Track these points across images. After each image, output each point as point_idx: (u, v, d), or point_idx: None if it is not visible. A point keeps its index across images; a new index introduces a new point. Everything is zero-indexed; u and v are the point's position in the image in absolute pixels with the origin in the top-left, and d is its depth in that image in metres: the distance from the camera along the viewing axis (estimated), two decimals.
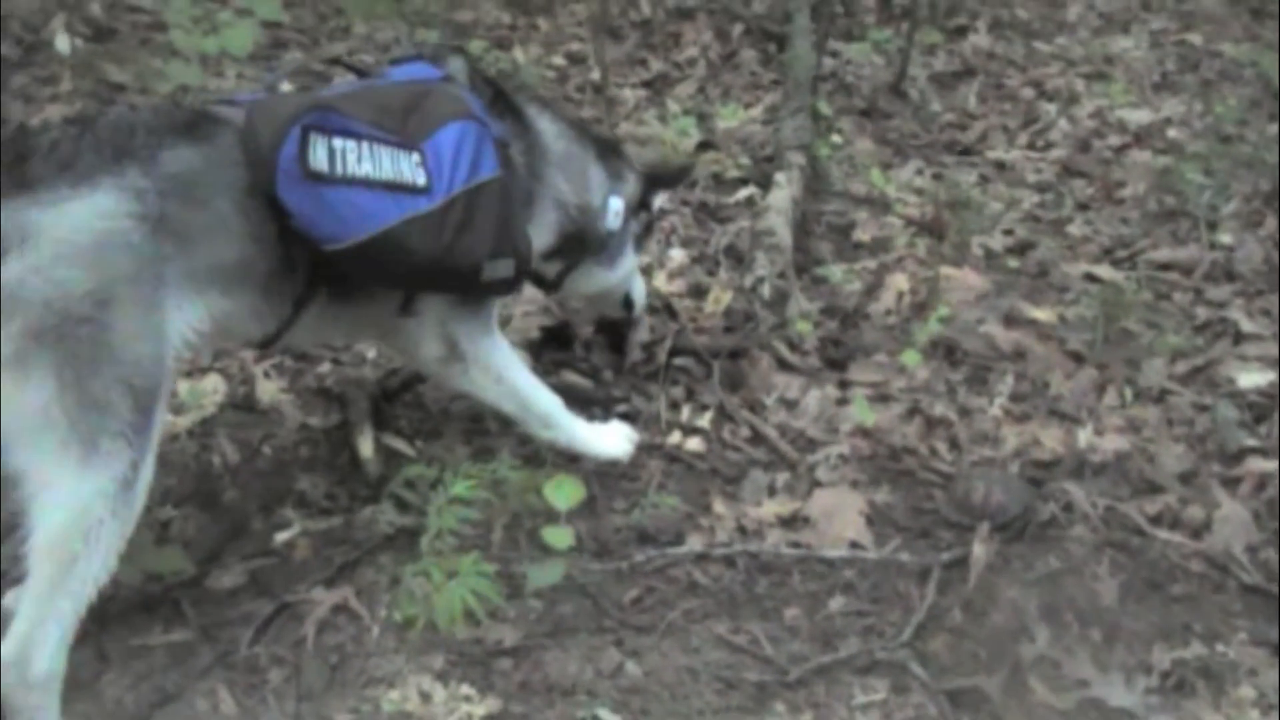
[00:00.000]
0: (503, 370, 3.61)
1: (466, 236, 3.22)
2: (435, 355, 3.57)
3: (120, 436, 2.75)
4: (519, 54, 7.31)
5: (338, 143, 3.03)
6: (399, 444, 3.84)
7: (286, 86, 3.92)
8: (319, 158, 2.99)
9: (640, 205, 4.04)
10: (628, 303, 4.24)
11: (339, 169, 3.02)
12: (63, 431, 2.69)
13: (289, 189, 2.96)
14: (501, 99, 3.59)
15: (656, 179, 4.13)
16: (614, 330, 4.39)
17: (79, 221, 2.73)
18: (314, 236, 3.04)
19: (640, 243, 4.12)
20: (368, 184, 3.07)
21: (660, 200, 4.17)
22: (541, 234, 3.64)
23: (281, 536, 3.48)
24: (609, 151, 3.99)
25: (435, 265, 3.21)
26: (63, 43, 6.42)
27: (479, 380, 3.60)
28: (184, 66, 5.61)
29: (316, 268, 3.14)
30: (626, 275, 4.11)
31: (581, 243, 3.84)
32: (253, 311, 3.14)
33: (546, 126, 3.74)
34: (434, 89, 3.39)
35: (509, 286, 3.47)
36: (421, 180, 3.16)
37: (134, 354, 2.78)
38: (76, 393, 2.69)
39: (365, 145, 3.09)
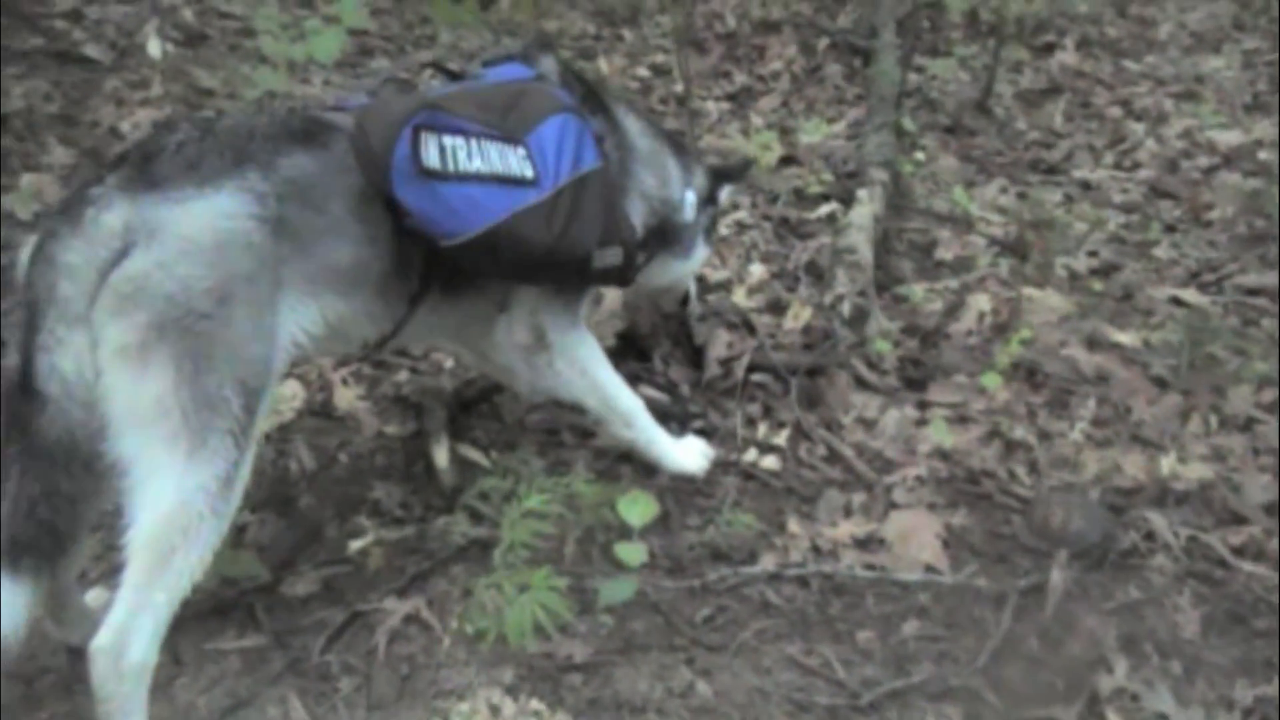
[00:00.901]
0: (587, 363, 3.66)
1: (576, 225, 3.30)
2: (523, 343, 3.62)
3: (228, 434, 2.82)
4: (603, 64, 7.33)
5: (448, 140, 3.12)
6: (474, 455, 3.85)
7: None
8: (431, 155, 3.08)
9: (708, 199, 4.11)
10: (685, 297, 4.38)
11: (451, 165, 3.11)
12: (175, 423, 2.76)
13: (404, 188, 3.06)
14: (592, 96, 3.65)
15: (722, 174, 4.22)
16: (688, 340, 4.39)
17: (203, 220, 2.83)
18: (431, 233, 3.14)
19: (709, 235, 4.19)
20: (479, 178, 3.15)
21: (725, 194, 4.25)
22: (638, 222, 3.71)
23: (355, 545, 3.48)
24: (680, 148, 4.06)
25: (548, 255, 3.28)
26: (154, 47, 6.49)
27: (564, 372, 3.64)
28: (271, 73, 5.67)
29: (430, 266, 3.26)
30: (698, 265, 4.24)
31: (663, 235, 3.87)
32: (367, 313, 3.23)
33: (631, 124, 3.81)
34: (529, 87, 3.45)
35: (619, 275, 3.53)
36: (530, 173, 3.23)
37: (248, 353, 2.87)
38: (192, 387, 2.77)
39: (474, 141, 3.17)
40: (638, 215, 3.71)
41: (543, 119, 3.33)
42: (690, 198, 3.95)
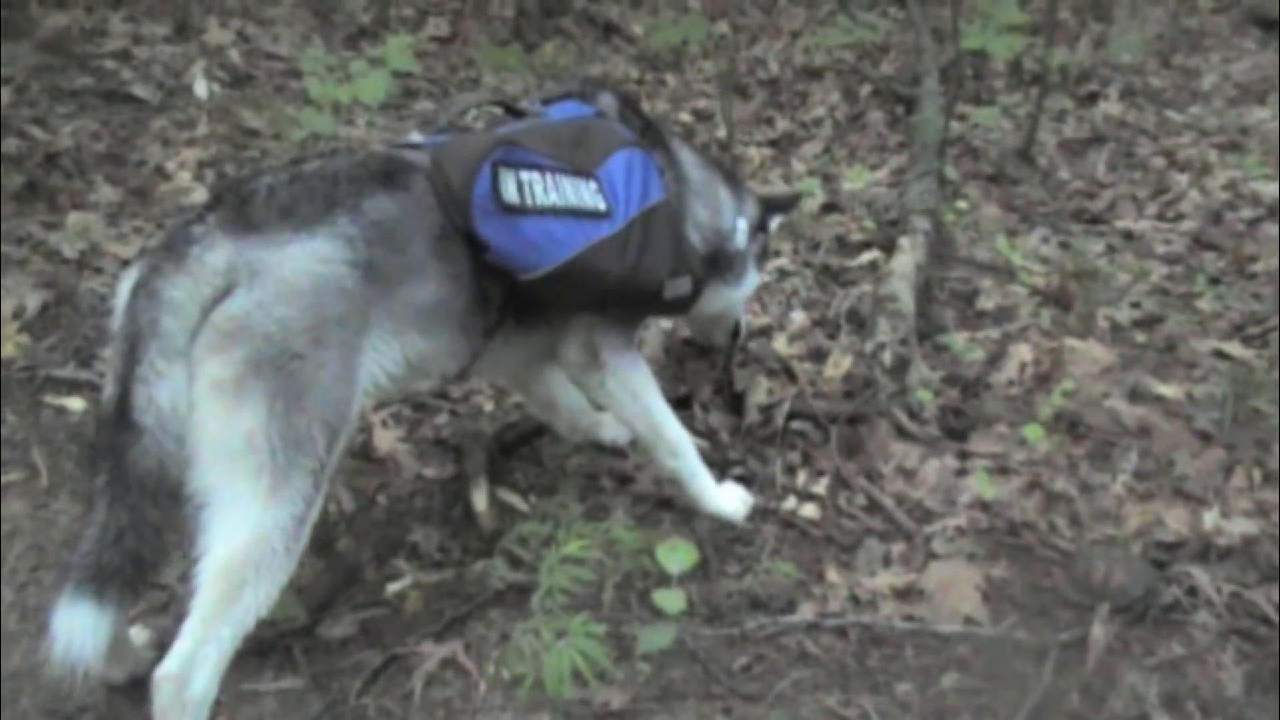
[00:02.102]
0: (639, 388, 3.69)
1: (648, 256, 3.41)
2: (577, 361, 3.67)
3: (310, 474, 2.90)
4: (646, 109, 7.35)
5: (524, 175, 3.23)
6: (513, 499, 3.85)
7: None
8: (510, 191, 3.19)
9: (759, 226, 4.19)
10: (735, 330, 4.43)
11: (529, 200, 3.22)
12: (262, 459, 2.84)
13: (485, 223, 3.16)
14: (650, 131, 3.74)
15: (773, 203, 4.31)
16: (728, 386, 4.40)
17: (301, 264, 2.93)
18: (511, 267, 3.24)
19: (760, 262, 4.28)
20: (556, 212, 3.26)
21: (775, 223, 4.32)
22: (690, 251, 3.76)
23: (393, 587, 3.49)
24: (731, 178, 4.15)
25: (623, 285, 3.39)
26: (201, 88, 6.58)
27: (615, 393, 3.68)
28: (316, 114, 5.74)
29: (508, 299, 3.34)
30: (749, 292, 4.30)
31: (715, 263, 3.92)
32: (448, 349, 3.32)
33: (686, 156, 3.90)
34: (592, 123, 3.55)
35: (685, 305, 3.64)
36: (603, 205, 3.34)
37: (336, 394, 2.95)
38: (283, 424, 2.85)
39: (549, 176, 3.27)
40: (693, 241, 3.79)
41: (610, 153, 3.43)
42: (742, 225, 4.01)
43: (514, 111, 3.64)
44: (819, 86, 7.89)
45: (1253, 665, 3.34)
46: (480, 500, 3.75)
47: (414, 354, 3.20)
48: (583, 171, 3.35)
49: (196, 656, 2.82)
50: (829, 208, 6.20)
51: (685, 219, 3.77)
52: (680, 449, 3.78)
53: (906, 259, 5.13)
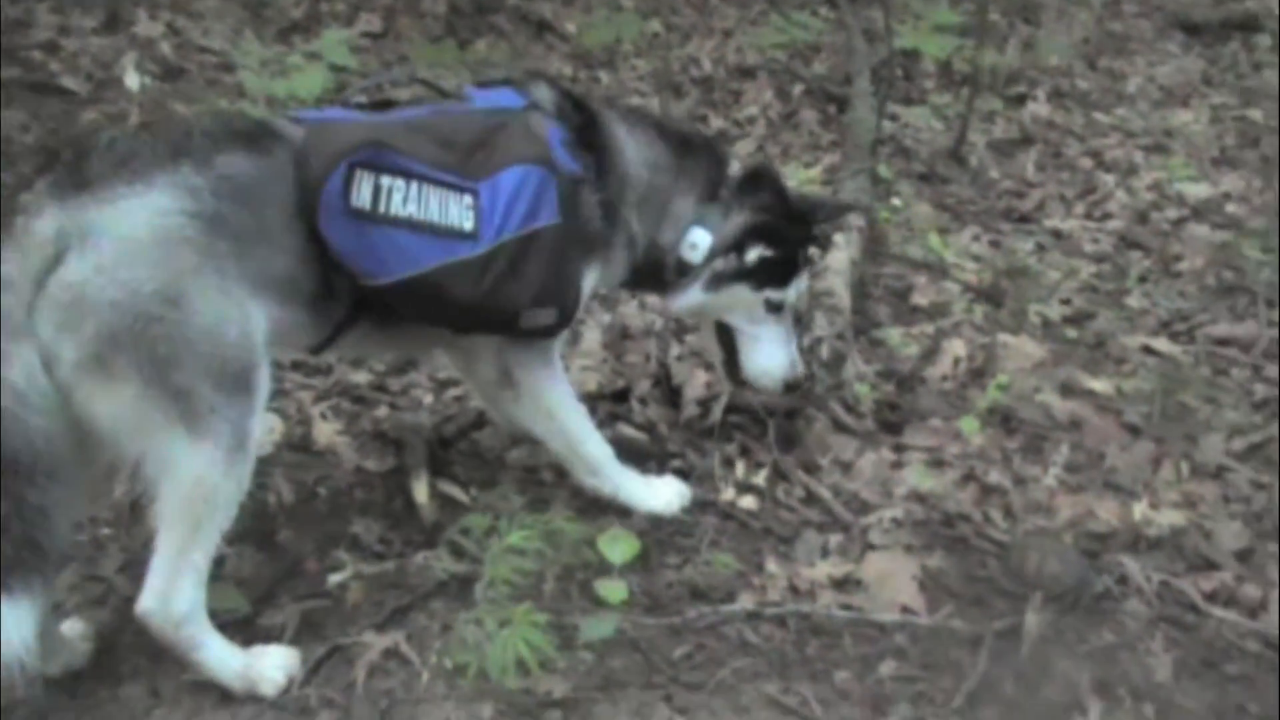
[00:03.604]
0: (555, 407, 3.63)
1: (510, 285, 3.26)
2: (488, 379, 3.64)
3: (214, 413, 2.88)
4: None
5: (385, 181, 3.10)
6: (454, 491, 3.85)
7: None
8: (363, 196, 3.07)
9: (732, 248, 3.75)
10: (729, 344, 3.94)
11: (382, 208, 3.09)
12: (160, 416, 2.85)
13: (330, 221, 3.05)
14: (590, 129, 3.55)
15: (761, 230, 3.75)
16: (666, 380, 4.43)
17: (137, 219, 2.84)
18: (352, 269, 3.11)
19: (719, 285, 3.77)
20: (411, 225, 3.13)
21: (753, 254, 3.74)
22: (613, 270, 3.69)
23: (335, 579, 3.48)
24: (714, 183, 3.75)
25: (471, 310, 3.28)
26: (132, 80, 6.51)
27: (529, 412, 3.64)
28: (251, 108, 5.69)
29: (359, 295, 3.21)
30: (691, 308, 3.87)
31: (643, 274, 3.80)
32: (304, 325, 3.23)
33: (636, 155, 3.65)
34: (510, 122, 3.39)
35: (550, 332, 3.48)
36: (469, 225, 3.20)
37: (215, 343, 2.89)
38: (161, 387, 2.83)
39: (415, 186, 3.14)
40: (620, 260, 3.67)
41: (507, 166, 3.27)
42: (697, 236, 3.71)
43: (442, 93, 3.60)
44: (752, 85, 7.92)
45: (1181, 652, 3.41)
46: (421, 492, 3.76)
47: (270, 320, 3.06)
48: (464, 183, 3.21)
49: (171, 587, 2.93)
50: None
51: (615, 232, 3.59)
52: (598, 466, 3.74)
53: (842, 255, 5.17)
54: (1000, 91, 8.04)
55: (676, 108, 7.38)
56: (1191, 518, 3.93)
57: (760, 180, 3.81)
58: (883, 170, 6.54)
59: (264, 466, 3.82)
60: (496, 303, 3.27)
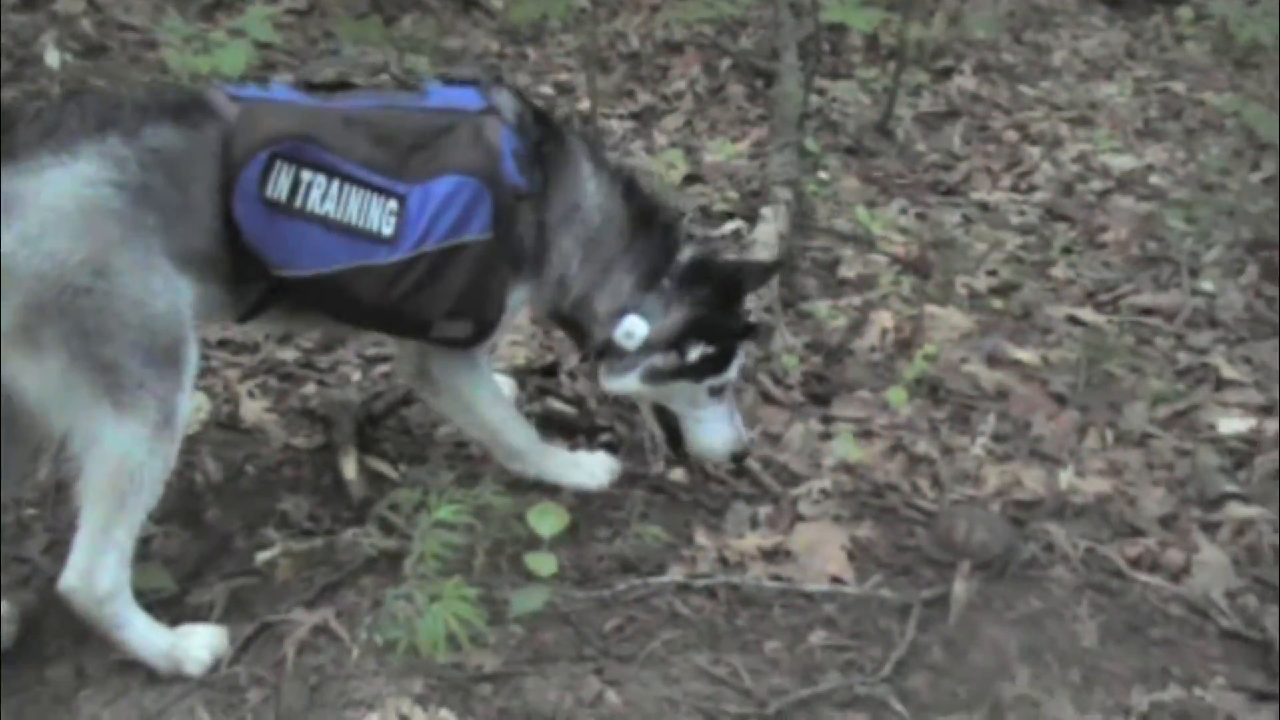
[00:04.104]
0: (474, 402, 3.60)
1: (424, 294, 3.21)
2: (408, 371, 3.64)
3: (141, 388, 2.86)
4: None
5: (306, 175, 3.06)
6: (383, 467, 3.84)
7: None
8: (279, 188, 3.03)
9: (672, 345, 3.59)
10: (668, 425, 3.81)
11: (298, 202, 3.06)
12: (86, 393, 2.82)
13: (244, 207, 3.01)
14: (548, 145, 3.43)
15: (703, 327, 3.59)
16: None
17: (62, 189, 2.80)
18: (261, 257, 3.08)
19: (658, 380, 3.63)
20: (325, 223, 3.09)
21: (695, 352, 3.58)
22: (543, 295, 3.59)
23: (263, 556, 3.44)
24: (659, 269, 3.60)
25: (380, 314, 3.26)
26: (53, 58, 6.42)
27: (448, 406, 3.64)
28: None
29: (273, 281, 3.17)
30: (626, 393, 3.74)
31: (566, 325, 3.73)
32: (219, 303, 3.19)
33: (593, 193, 3.53)
34: (459, 126, 3.28)
35: (465, 344, 3.43)
36: (388, 231, 3.14)
37: (143, 316, 2.87)
38: (89, 359, 2.80)
39: (336, 184, 3.09)
40: (545, 292, 3.56)
41: (443, 174, 3.20)
42: (632, 324, 3.56)
43: (402, 84, 3.54)
44: (679, 60, 7.90)
45: (1107, 617, 3.45)
46: (349, 469, 3.74)
47: (196, 295, 3.03)
48: (393, 186, 3.14)
49: (95, 564, 2.91)
50: (691, 178, 6.23)
51: (546, 258, 3.48)
52: (521, 453, 3.71)
53: (769, 229, 5.17)
54: (926, 65, 8.06)
55: (604, 83, 7.36)
56: (1116, 485, 3.98)
57: (704, 272, 3.65)
58: (810, 144, 6.54)
59: (191, 444, 3.82)
60: (408, 310, 3.24)
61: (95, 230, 2.81)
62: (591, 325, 3.62)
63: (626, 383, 3.65)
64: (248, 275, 3.14)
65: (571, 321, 3.67)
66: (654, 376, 3.63)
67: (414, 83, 3.55)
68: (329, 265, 3.12)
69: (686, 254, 3.67)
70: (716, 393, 3.68)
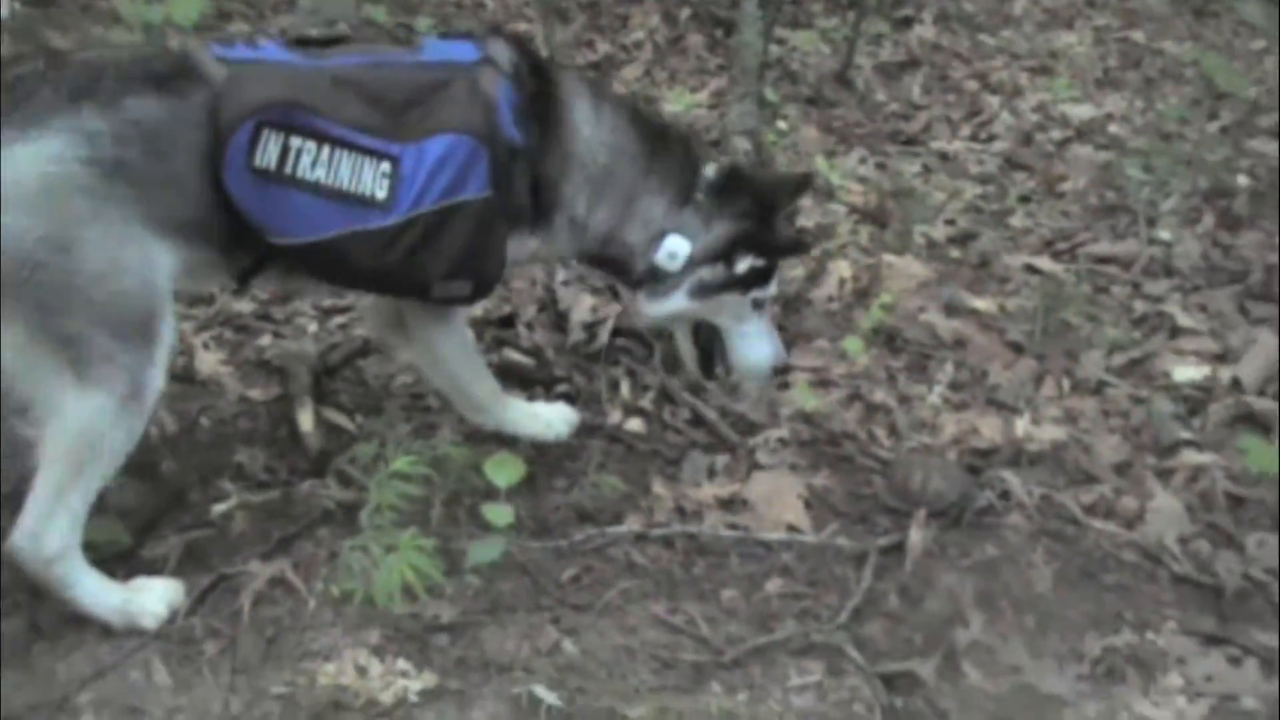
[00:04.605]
0: (445, 357, 3.55)
1: (421, 256, 3.15)
2: (383, 322, 3.62)
3: (109, 361, 2.85)
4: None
5: (295, 142, 2.99)
6: (340, 419, 3.82)
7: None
8: (268, 156, 2.97)
9: (720, 257, 3.53)
10: (722, 351, 3.75)
11: (288, 170, 2.99)
12: (47, 366, 2.82)
13: (234, 177, 2.96)
14: (543, 99, 3.33)
15: (750, 239, 3.54)
16: (552, 304, 4.40)
17: (28, 166, 2.76)
18: (255, 225, 3.04)
19: (706, 294, 3.56)
20: (318, 190, 3.03)
21: (744, 264, 3.54)
22: (551, 247, 3.50)
23: (219, 509, 3.43)
24: (689, 185, 3.52)
25: (379, 277, 3.22)
26: (3, 8, 6.33)
27: (419, 356, 3.60)
28: (127, 35, 5.54)
29: (268, 247, 3.13)
30: (673, 314, 3.63)
31: (603, 265, 3.60)
32: (212, 264, 3.15)
33: (592, 135, 3.41)
34: (454, 81, 3.19)
35: (464, 302, 3.41)
36: (381, 194, 3.07)
37: (111, 290, 2.85)
38: (48, 334, 2.80)
39: (327, 149, 3.03)
40: (561, 241, 3.47)
41: (436, 133, 3.11)
42: (674, 244, 3.48)
43: (395, 39, 3.47)
44: (639, 10, 7.86)
45: (1061, 564, 3.48)
46: (306, 421, 3.72)
47: (182, 261, 3.01)
48: (397, 141, 3.07)
49: (43, 526, 2.91)
50: None
51: (555, 210, 3.39)
52: (483, 404, 3.66)
53: None
54: (886, 15, 8.06)
55: (562, 33, 7.32)
56: (1072, 433, 4.00)
57: (738, 183, 3.57)
58: (769, 94, 6.53)
59: None
60: (407, 273, 3.18)
61: (57, 207, 2.77)
62: (630, 257, 3.52)
63: (673, 303, 3.56)
64: (242, 241, 3.10)
65: (608, 259, 3.55)
66: (702, 291, 3.55)
67: (408, 37, 3.42)
68: (323, 232, 3.06)
69: (713, 167, 3.60)
70: (759, 306, 3.67)
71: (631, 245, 3.50)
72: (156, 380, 2.96)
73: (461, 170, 3.13)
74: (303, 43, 3.24)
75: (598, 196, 3.43)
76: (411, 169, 3.09)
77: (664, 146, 3.54)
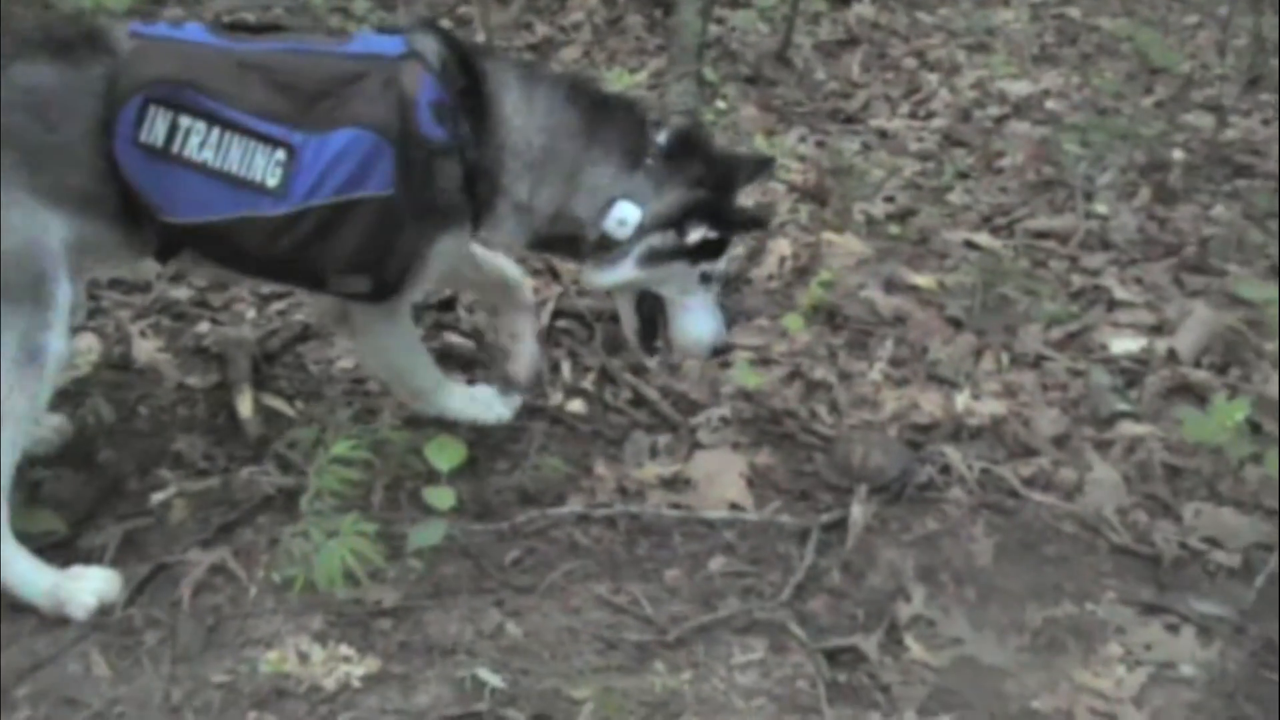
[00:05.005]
0: (386, 349, 3.53)
1: (315, 248, 3.10)
2: (326, 310, 3.56)
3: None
4: (403, 16, 7.23)
5: (184, 121, 2.97)
6: (279, 404, 3.80)
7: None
8: (156, 132, 2.96)
9: (672, 224, 3.41)
10: (646, 317, 3.65)
11: (175, 148, 2.98)
12: None
13: (123, 151, 2.96)
14: (472, 93, 3.23)
15: (704, 208, 3.42)
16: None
17: None
18: (146, 203, 3.02)
19: (656, 261, 3.45)
20: (205, 171, 3.00)
21: (696, 234, 3.42)
22: (497, 234, 3.41)
23: (158, 497, 3.41)
24: (638, 150, 3.40)
25: (272, 265, 3.20)
26: None
27: (361, 347, 3.59)
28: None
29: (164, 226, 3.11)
30: (621, 283, 3.51)
31: (554, 244, 3.54)
32: (112, 240, 3.13)
33: (526, 122, 3.30)
34: (372, 73, 3.12)
35: (369, 297, 3.28)
36: (273, 182, 3.02)
37: None
38: None
39: (217, 131, 2.99)
40: (507, 229, 3.38)
41: (341, 126, 3.04)
42: (624, 211, 3.36)
43: (329, 32, 3.43)
44: None
45: (1001, 536, 3.50)
46: (245, 407, 3.70)
47: (77, 233, 3.00)
48: (300, 129, 3.01)
49: None
50: None
51: (497, 200, 3.30)
52: (423, 392, 3.63)
53: None
54: None
55: (500, 16, 7.29)
56: (1011, 406, 4.03)
57: (691, 146, 3.48)
58: (709, 74, 6.53)
59: (82, 386, 3.78)
60: (300, 264, 3.15)
61: None
62: (581, 230, 3.41)
63: (621, 271, 3.45)
64: (139, 217, 3.07)
65: (560, 239, 3.46)
66: (651, 258, 3.43)
67: (339, 33, 3.38)
68: (211, 214, 3.04)
69: (665, 132, 3.49)
70: (706, 280, 3.55)
71: (580, 218, 3.40)
72: (54, 344, 2.94)
73: (361, 166, 3.06)
74: (232, 27, 3.22)
75: (539, 179, 3.34)
76: (311, 159, 3.03)
77: (606, 116, 3.43)
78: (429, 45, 3.21)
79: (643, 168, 3.38)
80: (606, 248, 3.42)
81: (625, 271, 3.45)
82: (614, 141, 3.40)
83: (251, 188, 3.02)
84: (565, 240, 3.46)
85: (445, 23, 7.12)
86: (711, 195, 3.45)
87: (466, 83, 3.22)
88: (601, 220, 3.38)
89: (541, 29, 7.44)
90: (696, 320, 3.58)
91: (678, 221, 3.40)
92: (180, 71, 2.99)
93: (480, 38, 6.67)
